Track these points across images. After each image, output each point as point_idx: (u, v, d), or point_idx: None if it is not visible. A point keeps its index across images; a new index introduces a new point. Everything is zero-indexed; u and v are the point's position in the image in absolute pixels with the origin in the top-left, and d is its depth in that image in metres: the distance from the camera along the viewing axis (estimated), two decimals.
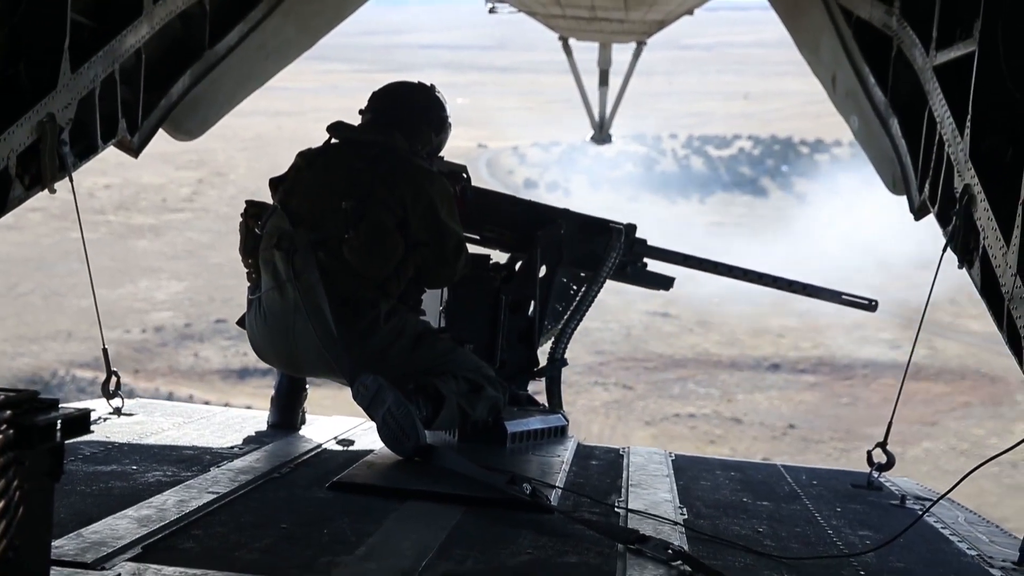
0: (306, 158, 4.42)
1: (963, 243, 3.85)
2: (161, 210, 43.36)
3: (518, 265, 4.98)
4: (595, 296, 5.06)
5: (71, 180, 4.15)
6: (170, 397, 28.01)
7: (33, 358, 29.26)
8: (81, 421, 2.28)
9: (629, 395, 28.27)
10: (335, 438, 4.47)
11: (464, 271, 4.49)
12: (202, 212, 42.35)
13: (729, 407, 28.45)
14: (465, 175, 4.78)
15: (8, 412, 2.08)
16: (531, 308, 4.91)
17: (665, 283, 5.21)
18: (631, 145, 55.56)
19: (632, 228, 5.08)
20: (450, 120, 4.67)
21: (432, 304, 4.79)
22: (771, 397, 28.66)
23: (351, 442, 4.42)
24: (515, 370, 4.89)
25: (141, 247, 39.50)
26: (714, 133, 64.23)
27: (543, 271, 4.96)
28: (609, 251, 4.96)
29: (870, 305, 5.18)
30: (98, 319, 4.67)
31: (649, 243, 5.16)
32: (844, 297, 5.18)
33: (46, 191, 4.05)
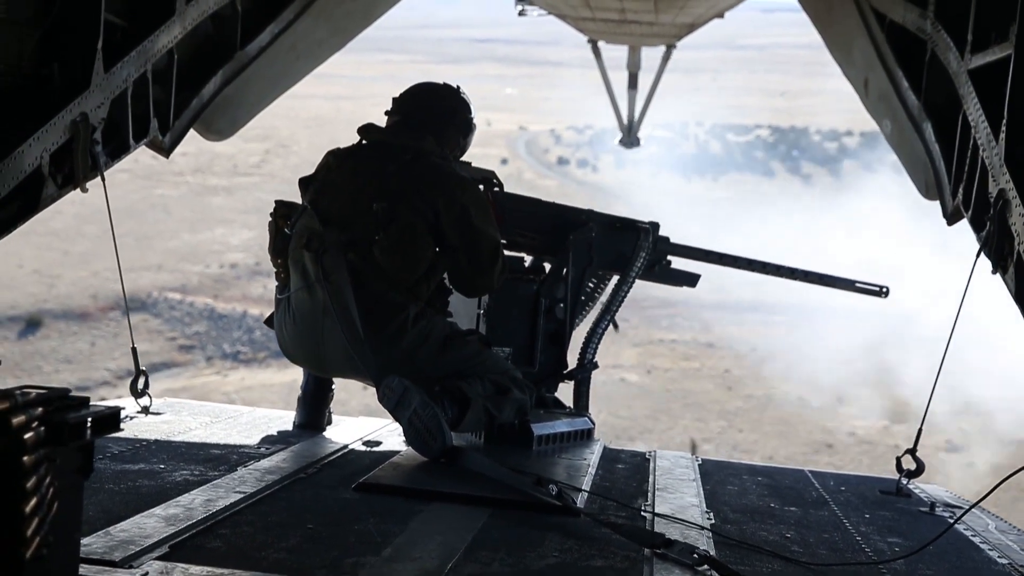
0: (337, 158, 4.42)
1: (997, 248, 3.81)
2: (232, 174, 50.16)
3: (546, 268, 5.00)
4: (625, 296, 5.08)
5: (103, 179, 4.18)
6: (244, 315, 34.15)
7: (130, 284, 35.77)
8: (111, 419, 2.28)
9: (623, 325, 31.62)
10: (361, 439, 4.48)
11: (503, 278, 4.46)
12: (269, 177, 48.19)
13: (706, 336, 32.49)
14: (496, 180, 4.75)
15: (40, 410, 2.09)
16: (560, 311, 4.92)
17: (691, 280, 5.26)
18: (657, 130, 59.62)
19: (656, 226, 5.10)
20: (475, 122, 4.66)
21: (469, 307, 4.79)
22: (743, 330, 32.09)
23: (377, 443, 4.43)
24: (546, 372, 4.91)
25: (216, 203, 45.69)
26: (738, 123, 67.48)
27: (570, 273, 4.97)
28: (638, 251, 5.01)
29: (881, 292, 5.33)
30: (128, 323, 4.69)
31: (671, 240, 5.20)
32: (858, 285, 5.34)
33: (78, 190, 4.08)
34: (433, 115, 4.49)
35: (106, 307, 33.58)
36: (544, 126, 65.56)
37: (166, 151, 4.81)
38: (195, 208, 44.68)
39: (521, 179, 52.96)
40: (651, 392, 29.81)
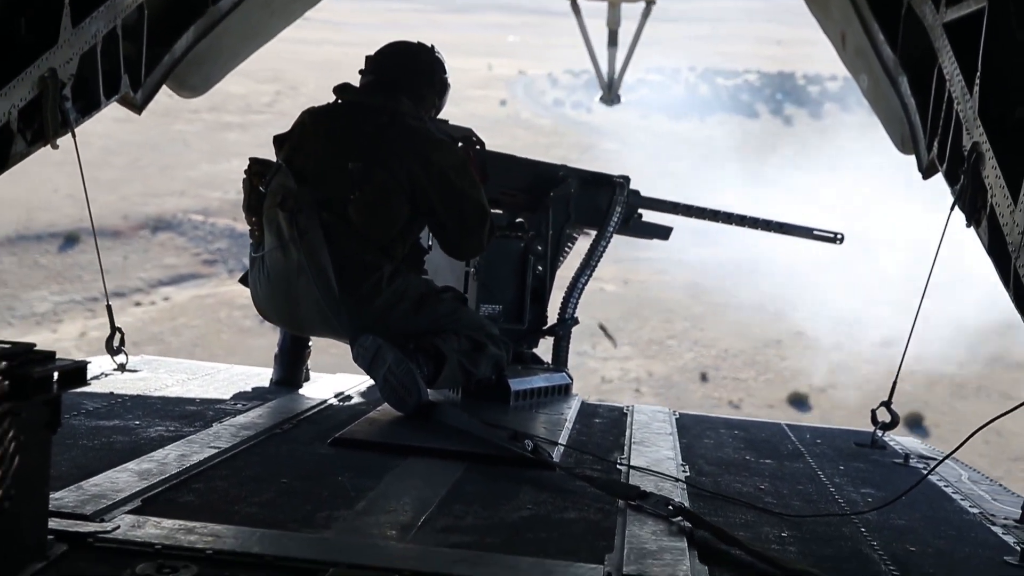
0: (312, 116, 4.38)
1: (970, 202, 3.82)
2: (246, 112, 54.28)
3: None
4: (604, 251, 5.12)
5: (74, 136, 4.13)
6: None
7: (157, 207, 38.85)
8: (78, 373, 2.27)
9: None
10: (338, 395, 4.48)
11: (492, 237, 4.41)
12: (280, 115, 51.90)
13: (680, 254, 33.03)
14: (475, 138, 4.69)
15: (4, 363, 2.08)
16: (541, 267, 4.95)
17: (664, 233, 5.38)
18: (650, 75, 63.60)
19: (627, 180, 5.16)
20: (449, 82, 4.60)
21: (455, 266, 4.77)
22: (715, 249, 36.86)
23: (353, 399, 4.43)
24: (529, 328, 4.94)
25: (231, 138, 49.45)
26: (728, 68, 70.12)
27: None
28: (614, 205, 5.06)
29: (836, 238, 5.49)
30: (105, 292, 4.66)
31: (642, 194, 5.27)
32: (815, 233, 5.50)
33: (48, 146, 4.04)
34: (409, 75, 4.42)
35: (135, 226, 37.86)
36: (542, 70, 68.09)
37: (138, 107, 4.76)
38: (212, 142, 48.30)
39: (519, 119, 55.82)
40: (625, 298, 32.10)
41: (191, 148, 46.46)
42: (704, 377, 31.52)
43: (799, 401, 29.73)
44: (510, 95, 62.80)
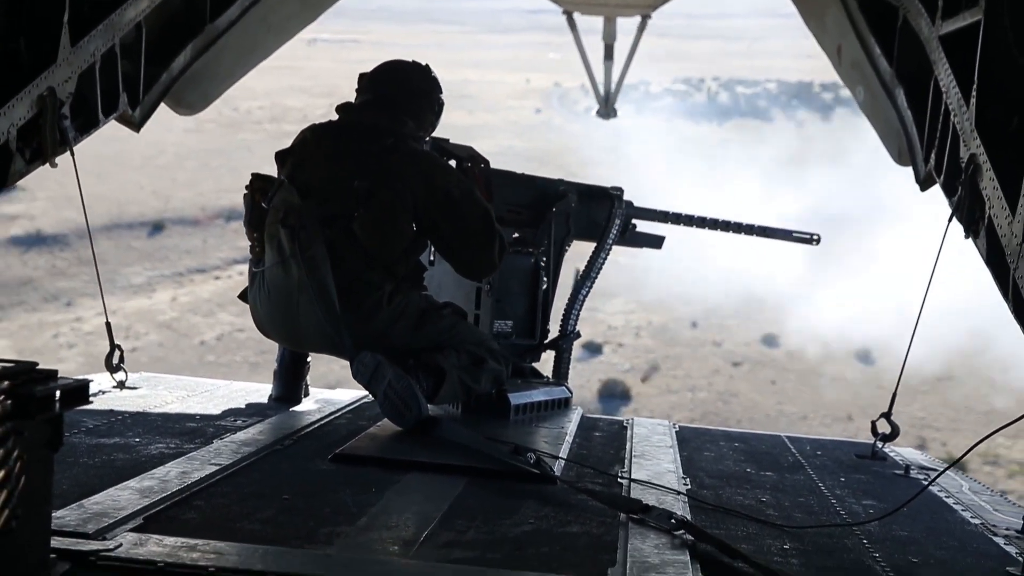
0: (315, 133, 4.38)
1: (968, 213, 3.83)
2: (303, 122, 56.36)
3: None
4: (603, 264, 5.14)
5: (72, 154, 4.13)
6: None
7: (229, 200, 42.43)
8: (80, 392, 2.27)
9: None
10: (338, 411, 4.48)
11: (504, 254, 4.38)
12: None
13: (685, 233, 38.81)
14: (478, 156, 4.65)
15: (6, 383, 2.08)
16: (544, 282, 4.97)
17: (658, 242, 5.46)
18: (676, 84, 69.99)
19: (622, 191, 5.22)
20: (444, 101, 4.59)
21: (464, 283, 4.75)
22: (716, 235, 39.76)
23: (354, 414, 4.43)
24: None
25: None
26: (750, 78, 74.41)
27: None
28: (613, 218, 5.11)
29: (812, 240, 5.63)
30: (104, 305, 4.65)
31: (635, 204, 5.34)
32: (793, 235, 5.64)
33: (47, 164, 4.04)
34: (407, 95, 4.40)
35: (212, 216, 44.13)
36: (577, 82, 71.07)
37: (136, 125, 4.77)
38: (273, 148, 52.23)
39: (551, 124, 59.36)
40: (635, 268, 35.25)
41: (254, 154, 50.70)
42: (694, 324, 35.03)
43: (770, 339, 33.25)
44: (545, 104, 66.36)
